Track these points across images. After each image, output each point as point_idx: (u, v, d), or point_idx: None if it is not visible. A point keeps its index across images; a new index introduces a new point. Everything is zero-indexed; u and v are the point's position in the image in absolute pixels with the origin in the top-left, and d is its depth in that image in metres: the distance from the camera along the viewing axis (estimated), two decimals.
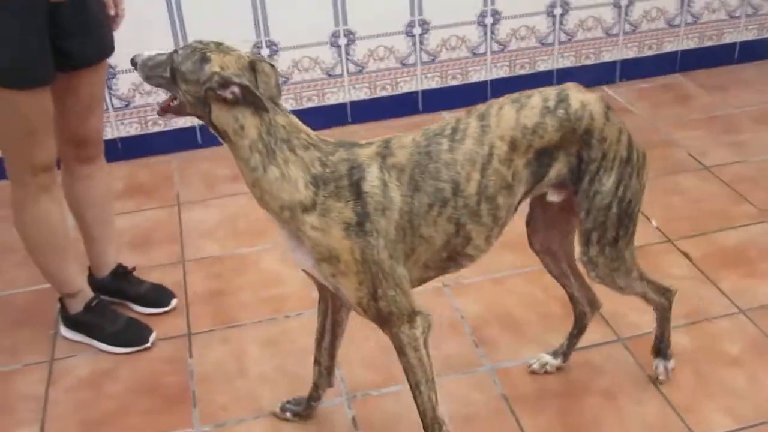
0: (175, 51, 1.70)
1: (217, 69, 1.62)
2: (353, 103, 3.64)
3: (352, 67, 3.56)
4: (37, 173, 2.19)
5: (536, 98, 1.82)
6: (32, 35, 2.03)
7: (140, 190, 3.32)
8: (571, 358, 2.31)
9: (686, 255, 2.74)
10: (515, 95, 1.85)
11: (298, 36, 3.45)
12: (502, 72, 3.78)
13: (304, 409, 2.18)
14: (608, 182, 1.84)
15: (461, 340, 2.42)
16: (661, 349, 2.23)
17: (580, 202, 1.87)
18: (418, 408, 1.86)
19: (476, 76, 3.75)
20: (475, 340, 2.42)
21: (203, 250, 2.89)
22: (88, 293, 2.46)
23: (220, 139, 1.69)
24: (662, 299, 2.15)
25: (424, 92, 3.71)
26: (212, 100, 1.64)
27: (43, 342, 2.51)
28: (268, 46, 3.44)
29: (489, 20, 3.64)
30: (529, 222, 2.10)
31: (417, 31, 3.54)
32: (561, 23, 3.74)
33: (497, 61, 3.74)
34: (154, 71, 1.72)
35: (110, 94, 3.37)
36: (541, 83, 3.76)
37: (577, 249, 1.97)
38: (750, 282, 2.61)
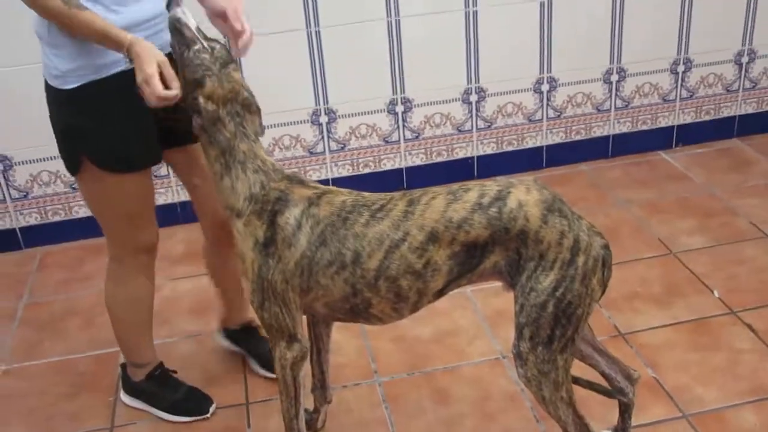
0: (198, 39, 1.88)
1: (201, 99, 1.86)
2: (408, 169, 3.68)
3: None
4: (138, 254, 2.26)
5: (473, 193, 1.83)
6: (132, 123, 2.06)
7: (199, 254, 3.35)
8: None
9: (750, 327, 2.68)
10: (456, 186, 1.87)
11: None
12: (557, 138, 3.78)
13: (308, 421, 2.28)
14: (545, 281, 1.79)
15: (521, 415, 2.39)
16: None
17: (516, 296, 1.84)
18: (282, 413, 2.09)
19: (531, 142, 3.76)
20: (535, 414, 2.38)
21: None
22: (153, 363, 2.49)
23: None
24: None
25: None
26: (193, 112, 1.90)
27: (104, 408, 2.53)
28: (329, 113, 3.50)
29: (545, 87, 3.65)
30: None
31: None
32: (617, 90, 3.74)
33: (553, 127, 3.75)
34: (174, 36, 1.92)
35: None
36: (597, 149, 3.82)
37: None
38: None
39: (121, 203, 2.16)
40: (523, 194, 1.82)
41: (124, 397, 2.53)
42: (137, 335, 2.42)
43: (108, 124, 2.04)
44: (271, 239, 1.89)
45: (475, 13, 3.44)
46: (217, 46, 1.91)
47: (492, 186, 1.85)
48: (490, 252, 1.84)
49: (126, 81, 1.95)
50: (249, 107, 1.92)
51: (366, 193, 1.94)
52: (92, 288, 3.17)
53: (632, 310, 2.81)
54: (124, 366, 2.51)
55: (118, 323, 2.40)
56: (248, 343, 2.63)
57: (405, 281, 1.86)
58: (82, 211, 3.46)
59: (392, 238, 1.84)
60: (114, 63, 1.98)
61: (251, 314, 2.59)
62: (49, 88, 2.04)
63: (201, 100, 1.87)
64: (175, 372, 2.56)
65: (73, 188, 3.41)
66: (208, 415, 2.45)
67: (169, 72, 1.87)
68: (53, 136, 3.25)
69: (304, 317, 2.08)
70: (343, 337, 2.72)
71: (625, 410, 2.21)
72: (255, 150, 1.93)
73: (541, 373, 1.87)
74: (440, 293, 1.92)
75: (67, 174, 3.31)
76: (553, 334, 1.83)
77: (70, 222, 3.47)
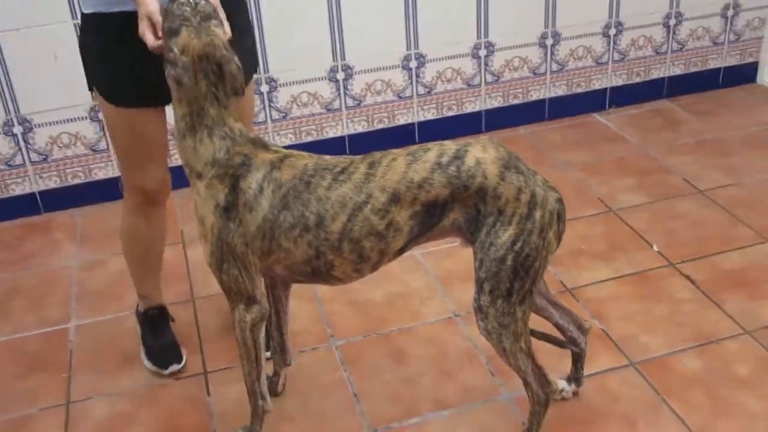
0: None
1: (175, 49, 1.82)
2: (351, 137, 3.69)
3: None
4: (134, 193, 2.34)
5: (432, 153, 1.87)
6: (127, 61, 2.07)
7: None
8: (587, 384, 2.34)
9: (688, 278, 2.80)
10: (415, 147, 1.91)
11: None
12: (496, 102, 3.84)
13: (268, 385, 2.29)
14: (504, 236, 1.85)
15: (478, 371, 2.45)
16: None
17: (476, 251, 1.89)
18: (244, 376, 2.12)
19: (470, 107, 3.82)
20: (491, 369, 2.45)
21: (212, 287, 2.87)
22: (153, 302, 2.59)
23: None
24: (540, 391, 2.07)
25: (420, 123, 3.77)
26: (167, 63, 1.86)
27: (58, 384, 2.50)
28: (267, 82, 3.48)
29: (483, 52, 3.70)
30: None
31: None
32: (552, 53, 3.82)
33: (491, 91, 3.80)
34: None
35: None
36: (534, 112, 3.90)
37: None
38: (754, 303, 2.66)
39: (121, 135, 2.23)
40: (480, 152, 1.86)
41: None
42: (136, 269, 2.54)
43: (107, 56, 2.09)
44: (232, 203, 1.89)
45: None
46: (202, 2, 1.87)
47: (450, 146, 1.89)
48: (449, 210, 1.88)
49: (129, 21, 1.95)
50: (227, 64, 1.85)
51: (327, 157, 1.96)
52: (35, 267, 3.12)
53: (577, 266, 2.90)
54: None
55: (122, 249, 2.53)
56: None
57: (368, 243, 1.89)
58: (18, 189, 3.38)
59: (355, 200, 1.86)
60: (121, 2, 1.98)
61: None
62: None
63: (176, 50, 1.82)
64: (173, 320, 2.64)
65: (9, 165, 3.32)
66: (166, 372, 2.49)
67: (158, 21, 1.88)
68: None
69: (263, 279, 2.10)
70: (296, 303, 2.73)
71: (578, 359, 2.30)
72: (224, 116, 1.90)
73: (501, 325, 1.93)
74: (400, 252, 1.95)
75: (3, 150, 3.27)
76: (512, 287, 1.89)
77: (6, 200, 3.38)
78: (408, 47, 3.59)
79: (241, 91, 1.90)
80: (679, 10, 3.92)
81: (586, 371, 2.35)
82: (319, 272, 1.97)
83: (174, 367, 2.48)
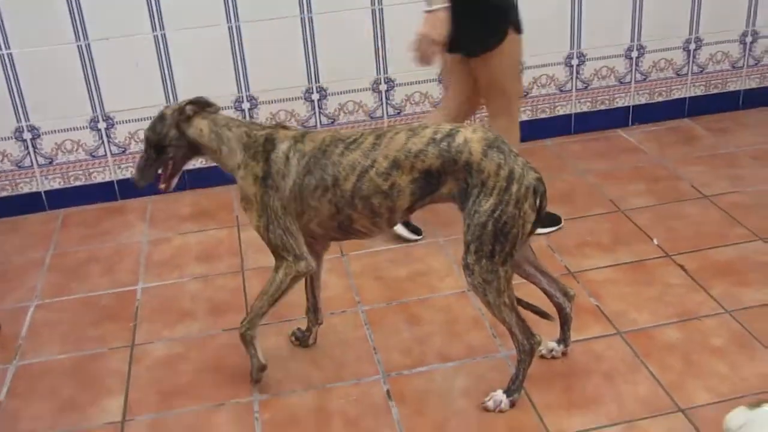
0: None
1: (169, 111, 2.43)
2: None
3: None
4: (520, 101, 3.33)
5: (429, 130, 2.29)
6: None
7: (204, 214, 3.79)
8: (576, 347, 2.67)
9: (682, 267, 3.11)
10: (416, 124, 2.35)
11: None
12: (524, 116, 4.21)
13: (301, 338, 2.80)
14: (486, 205, 2.21)
15: (482, 333, 2.81)
16: (509, 387, 2.44)
17: (464, 217, 2.27)
18: (254, 303, 2.49)
19: None
20: (493, 332, 2.80)
21: (259, 262, 3.31)
22: None
23: (203, 155, 2.49)
24: (525, 342, 2.37)
25: None
26: (182, 125, 2.41)
27: (125, 332, 2.95)
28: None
29: None
30: None
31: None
32: (578, 72, 4.18)
33: (523, 106, 4.18)
34: (147, 171, 2.50)
35: None
36: (560, 126, 4.26)
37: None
38: (737, 289, 2.95)
39: (517, 58, 3.06)
40: (470, 133, 2.26)
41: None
42: None
43: (506, 9, 2.97)
44: (268, 173, 2.34)
45: None
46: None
47: (445, 126, 2.31)
48: (444, 181, 2.27)
49: None
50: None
51: (342, 130, 2.40)
52: (111, 242, 3.60)
53: (582, 255, 3.24)
54: None
55: None
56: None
57: (376, 200, 2.30)
58: (100, 177, 3.89)
59: (362, 164, 2.29)
60: None
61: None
62: None
63: (168, 111, 2.44)
64: None
65: (92, 156, 3.83)
66: (562, 225, 3.41)
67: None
68: (75, 109, 3.72)
69: None
70: (332, 277, 3.15)
71: (564, 323, 2.63)
72: (228, 117, 2.45)
73: (486, 281, 2.29)
74: (410, 210, 2.36)
75: (88, 143, 3.78)
76: (494, 249, 2.25)
77: (89, 186, 3.90)
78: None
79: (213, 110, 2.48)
80: (698, 35, 4.25)
81: (577, 337, 2.70)
82: (344, 227, 2.38)
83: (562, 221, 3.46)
